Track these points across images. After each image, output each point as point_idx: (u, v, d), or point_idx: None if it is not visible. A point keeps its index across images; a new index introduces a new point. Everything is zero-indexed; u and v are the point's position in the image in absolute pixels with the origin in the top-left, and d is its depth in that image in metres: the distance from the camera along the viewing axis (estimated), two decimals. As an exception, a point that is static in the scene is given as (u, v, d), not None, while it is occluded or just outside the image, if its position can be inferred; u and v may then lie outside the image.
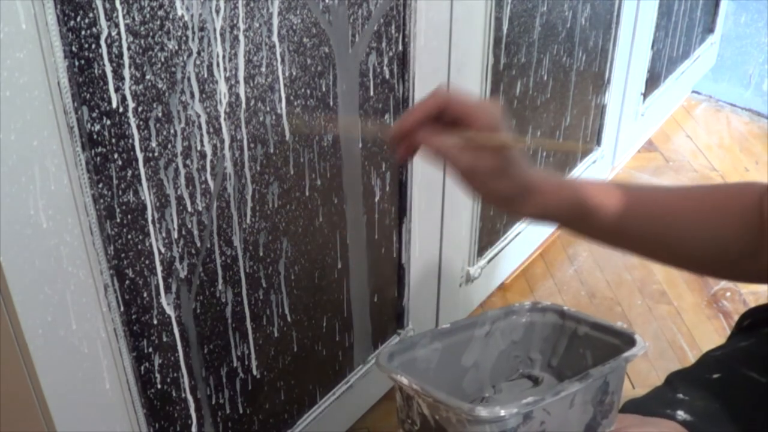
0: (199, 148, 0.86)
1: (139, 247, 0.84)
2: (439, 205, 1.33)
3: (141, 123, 0.79)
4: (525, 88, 1.46)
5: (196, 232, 0.90)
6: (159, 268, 0.88)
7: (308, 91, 0.98)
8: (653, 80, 2.05)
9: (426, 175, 1.25)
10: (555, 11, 1.46)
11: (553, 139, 1.64)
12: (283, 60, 0.92)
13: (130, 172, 0.80)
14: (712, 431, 0.72)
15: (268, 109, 0.93)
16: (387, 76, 1.10)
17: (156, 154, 0.82)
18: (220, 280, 0.96)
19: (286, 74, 0.93)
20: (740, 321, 0.85)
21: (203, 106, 0.85)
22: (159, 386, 0.94)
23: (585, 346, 0.76)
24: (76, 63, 0.71)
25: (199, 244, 0.91)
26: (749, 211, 0.72)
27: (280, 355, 1.12)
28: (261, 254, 1.01)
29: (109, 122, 0.76)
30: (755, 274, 0.75)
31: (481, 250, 1.55)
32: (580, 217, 0.73)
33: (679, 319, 1.65)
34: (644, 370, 1.48)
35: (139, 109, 0.78)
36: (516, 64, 1.40)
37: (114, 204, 0.80)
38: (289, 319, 1.10)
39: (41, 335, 0.76)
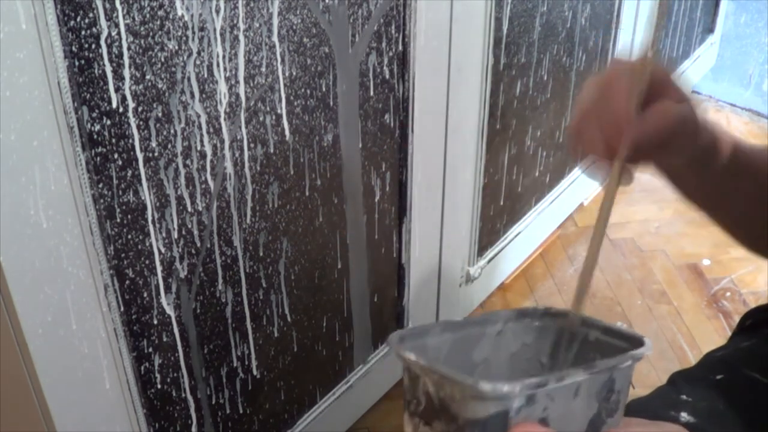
0: (199, 148, 0.86)
1: (139, 247, 0.84)
2: (439, 205, 1.33)
3: (141, 123, 0.79)
4: (525, 88, 1.46)
5: (196, 232, 0.90)
6: (159, 268, 0.88)
7: (308, 91, 0.98)
8: (653, 80, 2.05)
9: (426, 175, 1.25)
10: (555, 11, 1.46)
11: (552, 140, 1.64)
12: (283, 60, 0.92)
13: (130, 172, 0.80)
14: None
15: (268, 109, 0.93)
16: (387, 76, 1.10)
17: (156, 154, 0.82)
18: (220, 280, 0.96)
19: (286, 74, 0.93)
20: (742, 321, 0.85)
21: (203, 106, 0.85)
22: (159, 386, 0.94)
23: (595, 350, 0.76)
24: (76, 63, 0.71)
25: (199, 244, 0.91)
26: None
27: (280, 355, 1.12)
28: (261, 254, 1.01)
29: (109, 122, 0.76)
30: None
31: (481, 250, 1.55)
32: (707, 160, 0.64)
33: (679, 319, 1.65)
34: (644, 370, 1.48)
35: (139, 109, 0.78)
36: (516, 64, 1.40)
37: (114, 204, 0.80)
38: (289, 319, 1.10)
39: (41, 335, 0.76)
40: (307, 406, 1.23)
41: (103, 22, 0.71)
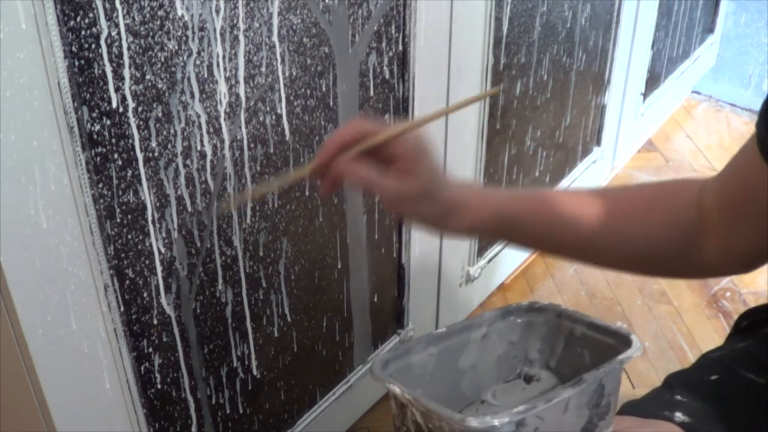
0: (199, 148, 0.86)
1: (139, 247, 0.84)
2: (439, 205, 1.33)
3: (141, 123, 0.79)
4: (525, 88, 1.46)
5: (196, 232, 0.90)
6: (159, 268, 0.88)
7: (308, 91, 0.98)
8: (653, 80, 2.05)
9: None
10: (555, 11, 1.46)
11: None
12: (283, 60, 0.92)
13: (130, 172, 0.80)
14: None
15: (268, 109, 0.93)
16: (387, 76, 1.10)
17: (156, 154, 0.82)
18: (220, 280, 0.96)
19: (286, 74, 0.93)
20: (738, 322, 0.85)
21: (203, 106, 0.85)
22: (159, 386, 0.94)
23: (582, 345, 0.76)
24: (76, 63, 0.71)
25: (199, 244, 0.91)
26: (687, 206, 0.71)
27: (280, 355, 1.12)
28: (261, 254, 1.01)
29: (109, 122, 0.76)
30: (697, 268, 0.74)
31: (481, 250, 1.55)
32: (507, 228, 0.72)
33: (679, 319, 1.65)
34: (644, 370, 1.48)
35: (139, 109, 0.78)
36: (516, 64, 1.40)
37: (114, 204, 0.80)
38: (289, 319, 1.10)
39: (41, 335, 0.76)
40: (307, 406, 1.23)
41: (103, 22, 0.71)
